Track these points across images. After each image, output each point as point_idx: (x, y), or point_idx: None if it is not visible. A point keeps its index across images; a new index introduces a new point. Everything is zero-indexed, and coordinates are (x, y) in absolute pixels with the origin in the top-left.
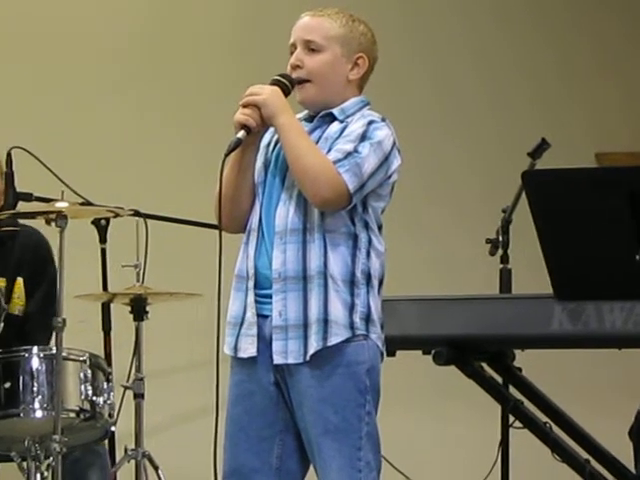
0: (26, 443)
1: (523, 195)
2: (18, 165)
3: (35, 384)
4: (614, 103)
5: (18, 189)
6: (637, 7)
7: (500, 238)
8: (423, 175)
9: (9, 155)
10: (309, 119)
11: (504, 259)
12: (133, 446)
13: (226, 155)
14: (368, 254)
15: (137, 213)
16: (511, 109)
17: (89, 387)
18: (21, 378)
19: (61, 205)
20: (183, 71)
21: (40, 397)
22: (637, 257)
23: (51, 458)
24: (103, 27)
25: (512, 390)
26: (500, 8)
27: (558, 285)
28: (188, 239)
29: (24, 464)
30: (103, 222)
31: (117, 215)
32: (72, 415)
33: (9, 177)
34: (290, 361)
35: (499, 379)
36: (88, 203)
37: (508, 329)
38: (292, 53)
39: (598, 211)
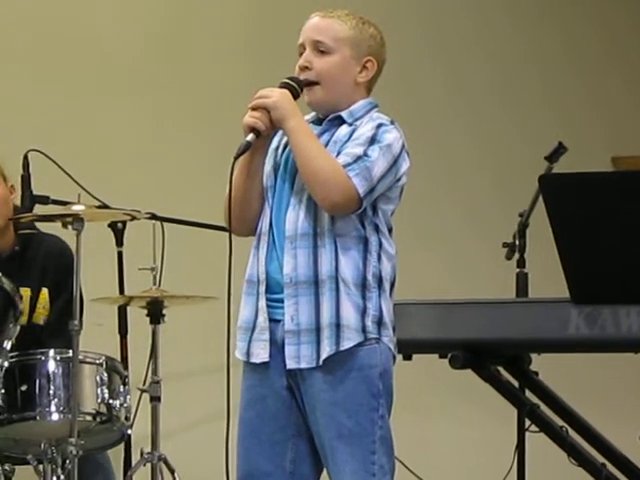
0: (42, 446)
1: (540, 199)
2: (35, 168)
3: (52, 387)
4: (630, 107)
5: (35, 192)
6: None
7: (517, 242)
8: (438, 179)
9: (26, 158)
10: (317, 122)
11: (521, 263)
12: (149, 449)
13: (235, 158)
14: (379, 257)
15: (154, 216)
16: (527, 113)
17: (105, 390)
18: (38, 381)
19: (78, 208)
20: (199, 74)
21: (56, 400)
22: None
23: (67, 461)
24: (119, 30)
25: (528, 394)
26: (515, 9)
27: (575, 289)
28: (204, 242)
29: (40, 467)
30: (120, 225)
31: (134, 218)
32: (88, 418)
33: (26, 180)
34: (303, 366)
35: (515, 383)
36: (105, 206)
37: (525, 333)
38: (301, 54)
39: (615, 215)
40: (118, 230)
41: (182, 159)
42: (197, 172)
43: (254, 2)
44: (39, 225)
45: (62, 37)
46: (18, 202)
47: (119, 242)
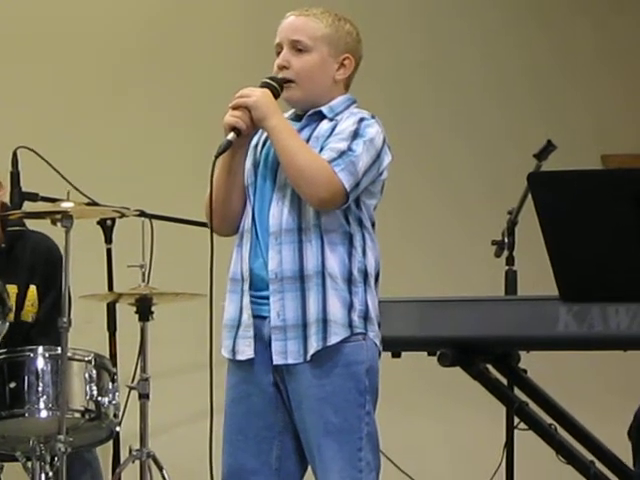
0: (31, 443)
1: (529, 197)
2: (24, 165)
3: (40, 384)
4: (620, 105)
5: (24, 189)
6: None
7: (506, 240)
8: (428, 176)
9: (15, 155)
10: (296, 118)
11: (510, 261)
12: (138, 446)
13: (216, 157)
14: (364, 252)
15: (143, 213)
16: (517, 110)
17: (94, 387)
18: (26, 378)
19: (67, 205)
20: (188, 72)
21: (45, 397)
22: None
23: (56, 458)
24: (109, 28)
25: (517, 392)
26: (506, 10)
27: (563, 287)
28: (193, 240)
29: (29, 464)
30: (109, 222)
31: (123, 215)
32: (77, 415)
33: (15, 177)
34: (290, 361)
35: (504, 381)
36: (94, 203)
37: (513, 331)
38: (278, 53)
39: (604, 213)
40: (107, 227)
41: (171, 157)
42: (186, 170)
43: (246, 4)
44: (28, 222)
45: (52, 34)
46: (7, 199)
47: (108, 239)
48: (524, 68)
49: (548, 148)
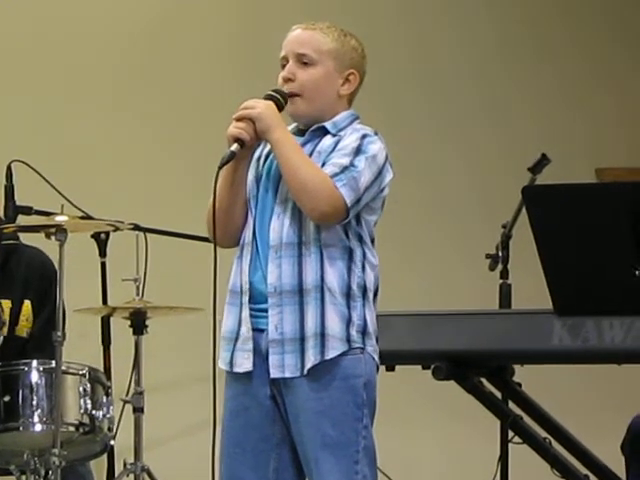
0: (25, 457)
1: (523, 210)
2: (18, 178)
3: (34, 398)
4: (614, 119)
5: (18, 202)
6: (636, 24)
7: (500, 253)
8: (421, 190)
9: (9, 168)
10: (298, 133)
11: (504, 274)
12: (132, 460)
13: (219, 168)
14: (363, 267)
15: (137, 227)
16: (510, 124)
17: (88, 401)
18: (20, 392)
19: (61, 219)
20: (183, 85)
21: (39, 411)
22: (637, 273)
23: (50, 472)
24: (103, 40)
25: (511, 405)
26: (499, 23)
27: (558, 300)
28: (188, 253)
29: (23, 478)
30: (103, 236)
31: (117, 229)
32: (71, 429)
33: (9, 190)
34: (287, 375)
35: (498, 394)
36: (88, 217)
37: (508, 344)
38: (283, 66)
39: (598, 226)
40: (101, 241)
41: (165, 170)
42: (180, 183)
43: (238, 11)
44: (22, 236)
45: (46, 48)
46: (0, 213)
47: (102, 253)
48: (518, 81)
49: (542, 162)
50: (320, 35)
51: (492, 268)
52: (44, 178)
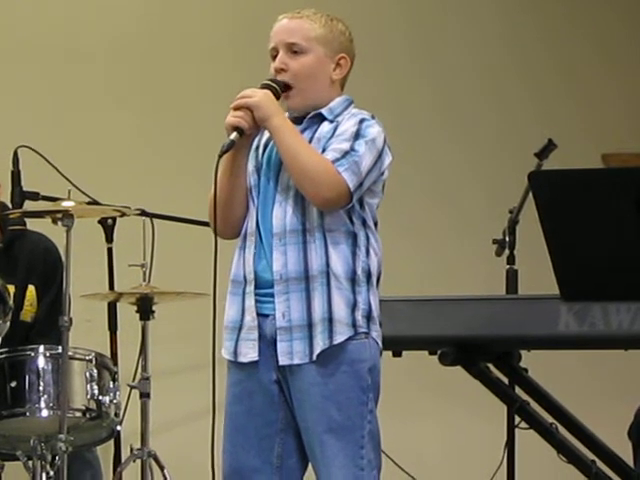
0: (32, 442)
1: (530, 196)
2: (25, 164)
3: (41, 383)
4: (620, 103)
5: (25, 188)
6: None
7: (507, 239)
8: (427, 177)
9: (16, 154)
10: (296, 121)
11: (510, 260)
12: (139, 446)
13: (220, 156)
14: (367, 252)
15: (143, 212)
16: (515, 110)
17: (95, 386)
18: (27, 377)
19: (67, 204)
20: (189, 72)
21: (46, 396)
22: None
23: (57, 457)
24: (110, 28)
25: (518, 391)
26: (502, 11)
27: (564, 286)
28: (194, 239)
29: (30, 463)
30: (109, 221)
31: (123, 214)
32: (78, 414)
33: (16, 176)
34: (296, 362)
35: (505, 380)
36: (95, 202)
37: (514, 330)
38: (274, 57)
39: (605, 212)
40: (108, 226)
41: (172, 156)
42: (187, 169)
43: (238, 4)
44: (29, 221)
45: (50, 35)
46: (7, 198)
47: (109, 238)
48: (523, 67)
49: (549, 147)
50: (308, 22)
51: (499, 253)
52: (51, 164)
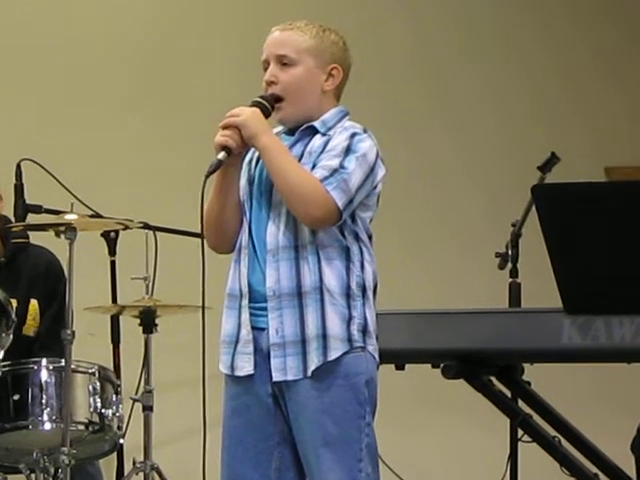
0: (35, 455)
1: (532, 209)
2: (28, 177)
3: (44, 396)
4: (623, 117)
5: (28, 201)
6: None
7: (509, 252)
8: (430, 190)
9: (19, 167)
10: (289, 132)
11: (513, 273)
12: (142, 459)
13: (206, 176)
14: (362, 266)
15: (146, 225)
16: (518, 124)
17: (98, 399)
18: (30, 390)
19: (70, 217)
20: (191, 87)
21: (49, 409)
22: None
23: (60, 470)
24: (112, 40)
25: (521, 404)
26: (503, 22)
27: (567, 299)
28: (197, 252)
29: (33, 476)
30: (112, 234)
31: (126, 227)
32: (81, 427)
33: (19, 189)
34: (289, 378)
35: (508, 393)
36: (97, 215)
37: (517, 343)
38: (266, 69)
39: (608, 225)
40: (111, 239)
41: (175, 169)
42: (190, 182)
43: (247, 12)
44: (31, 234)
45: (55, 49)
46: (10, 212)
47: (112, 251)
48: (525, 79)
49: (552, 160)
50: (298, 34)
51: (502, 267)
52: (54, 177)
